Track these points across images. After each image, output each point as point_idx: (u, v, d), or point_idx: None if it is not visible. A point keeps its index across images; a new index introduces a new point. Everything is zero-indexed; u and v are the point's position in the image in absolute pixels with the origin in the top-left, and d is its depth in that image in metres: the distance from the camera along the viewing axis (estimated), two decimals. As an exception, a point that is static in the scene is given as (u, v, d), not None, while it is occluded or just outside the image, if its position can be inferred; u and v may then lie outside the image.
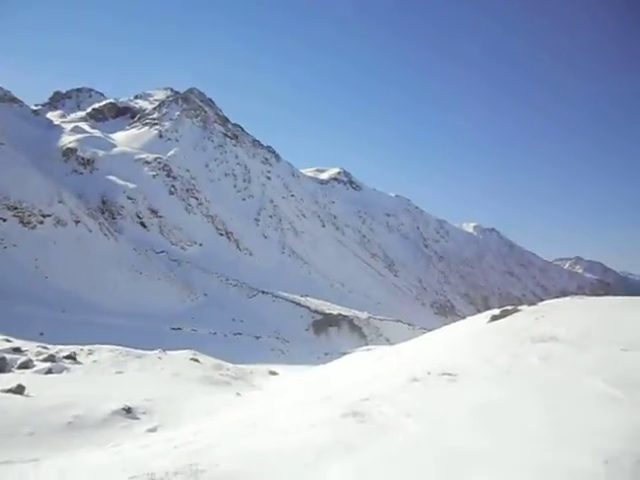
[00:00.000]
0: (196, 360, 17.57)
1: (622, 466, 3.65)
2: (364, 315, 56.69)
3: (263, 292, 54.85)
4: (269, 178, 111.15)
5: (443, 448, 4.68)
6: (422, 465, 4.38)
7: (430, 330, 24.48)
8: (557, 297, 19.96)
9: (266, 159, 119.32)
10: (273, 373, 20.10)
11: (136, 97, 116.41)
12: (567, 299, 17.28)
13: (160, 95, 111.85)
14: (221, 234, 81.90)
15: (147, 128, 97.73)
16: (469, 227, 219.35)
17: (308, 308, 53.04)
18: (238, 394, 13.27)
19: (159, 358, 16.75)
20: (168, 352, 18.11)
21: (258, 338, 40.86)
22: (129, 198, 74.67)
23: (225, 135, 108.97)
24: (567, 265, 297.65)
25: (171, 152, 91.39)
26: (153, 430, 9.15)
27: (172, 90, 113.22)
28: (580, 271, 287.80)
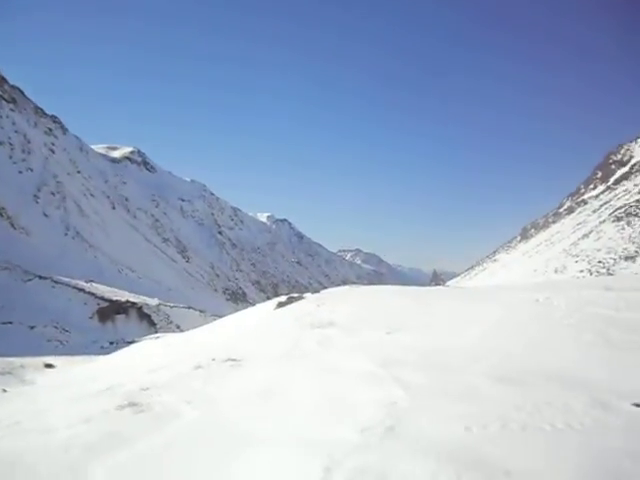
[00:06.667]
0: (-51, 355, 15.57)
1: (375, 433, 4.23)
2: (154, 302, 54.88)
3: (41, 277, 49.70)
4: (53, 151, 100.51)
5: (220, 432, 4.94)
6: (198, 450, 4.58)
7: (221, 317, 24.83)
8: (339, 285, 21.81)
9: (50, 130, 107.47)
10: (49, 366, 18.68)
11: None
12: (346, 287, 19.01)
13: None
14: (-10, 210, 72.23)
15: None
16: (263, 217, 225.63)
17: (93, 295, 49.50)
18: (4, 390, 12.15)
19: None
20: None
21: (33, 328, 37.06)
22: None
23: (1, 97, 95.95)
24: (348, 256, 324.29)
25: None
26: None
27: None
28: (359, 262, 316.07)
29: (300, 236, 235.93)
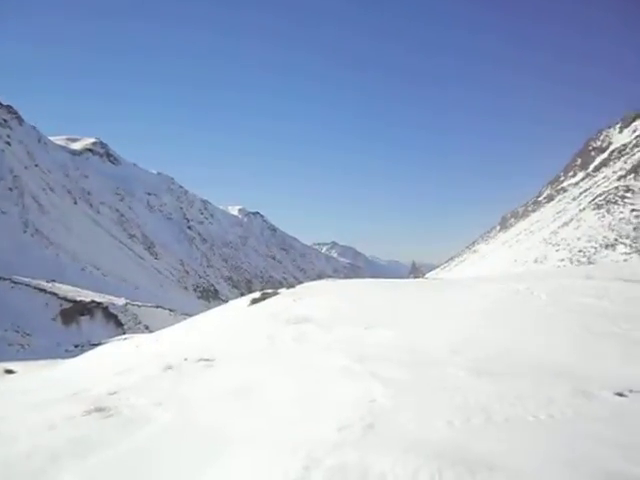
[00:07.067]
0: None
1: (354, 431, 4.14)
2: (121, 301, 53.76)
3: (-1, 277, 48.35)
4: (9, 144, 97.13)
5: (194, 435, 4.73)
6: (170, 455, 4.36)
7: (193, 315, 24.40)
8: (314, 280, 21.68)
9: (5, 121, 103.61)
10: (10, 372, 18.08)
11: None
12: (322, 281, 18.91)
13: None
14: (-56, 209, 69.74)
15: None
16: (234, 210, 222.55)
17: (55, 295, 48.13)
18: (-40, 400, 11.61)
19: None
20: None
21: (-8, 331, 36.01)
22: None
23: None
24: (324, 249, 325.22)
25: None
26: None
27: None
28: (335, 255, 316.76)
29: (273, 229, 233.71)
